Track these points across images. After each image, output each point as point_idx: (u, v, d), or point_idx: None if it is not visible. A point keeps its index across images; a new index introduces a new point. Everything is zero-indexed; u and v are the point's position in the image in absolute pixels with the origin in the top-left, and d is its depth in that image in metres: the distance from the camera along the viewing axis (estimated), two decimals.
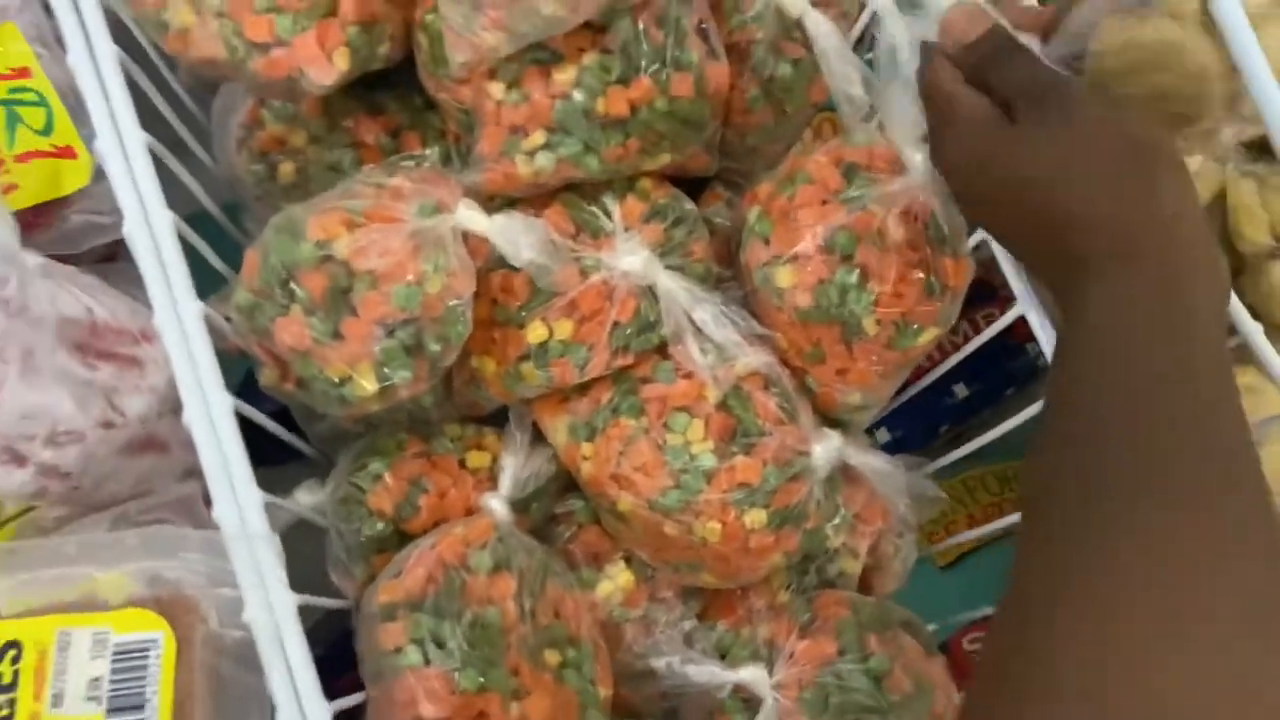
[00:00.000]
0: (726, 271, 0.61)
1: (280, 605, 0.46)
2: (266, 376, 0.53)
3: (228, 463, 0.48)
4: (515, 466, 0.57)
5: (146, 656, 0.46)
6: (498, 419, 0.62)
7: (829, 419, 0.59)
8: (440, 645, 0.49)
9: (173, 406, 0.52)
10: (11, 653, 0.45)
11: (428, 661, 0.49)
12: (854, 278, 0.53)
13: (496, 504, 0.56)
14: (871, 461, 0.57)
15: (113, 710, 0.46)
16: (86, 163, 0.58)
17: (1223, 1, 0.45)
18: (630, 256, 0.54)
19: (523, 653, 0.51)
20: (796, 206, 0.55)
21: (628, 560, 0.59)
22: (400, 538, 0.56)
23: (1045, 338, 0.55)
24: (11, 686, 0.45)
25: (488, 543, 0.53)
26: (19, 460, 0.48)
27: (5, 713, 0.45)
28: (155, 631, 0.47)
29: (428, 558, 0.52)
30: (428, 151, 0.57)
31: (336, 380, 0.51)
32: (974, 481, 0.97)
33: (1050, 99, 0.43)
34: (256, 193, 0.63)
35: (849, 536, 0.60)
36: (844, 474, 0.59)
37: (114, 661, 0.46)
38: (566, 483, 0.61)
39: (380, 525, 0.55)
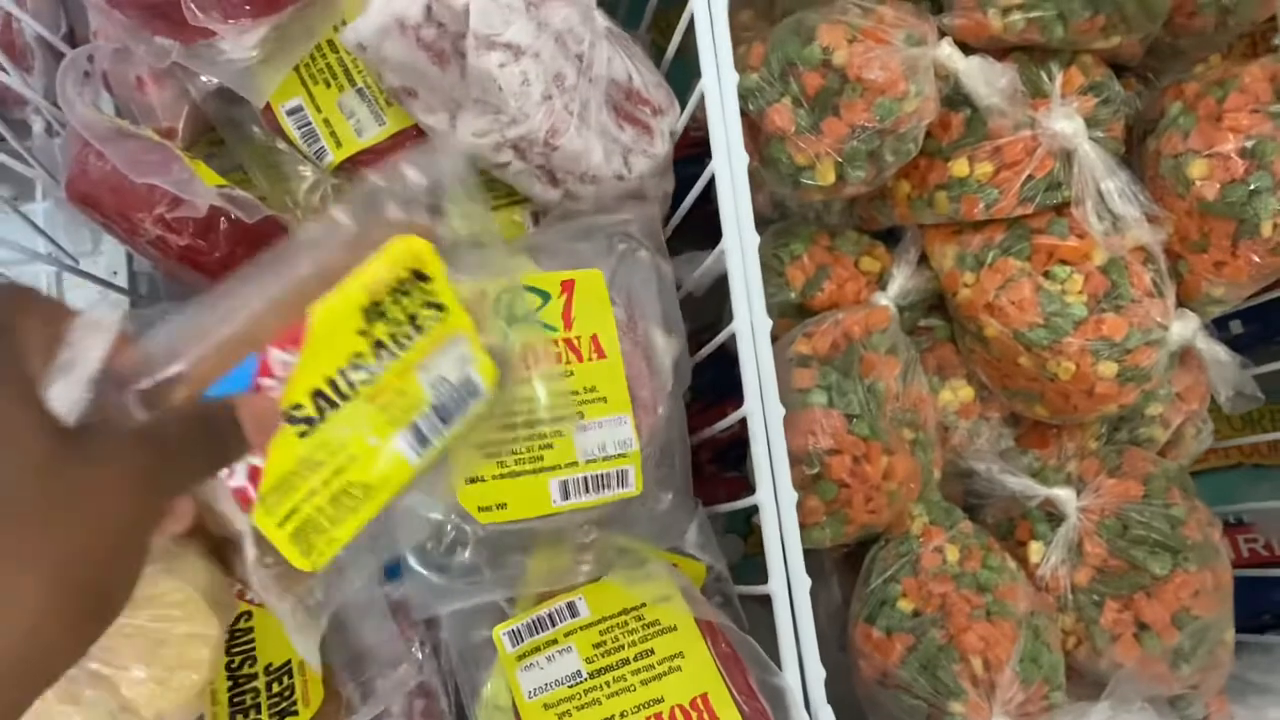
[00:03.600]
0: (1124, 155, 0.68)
1: None
2: None
3: None
4: (904, 277, 0.67)
5: None
6: (882, 236, 0.72)
7: (1185, 306, 0.67)
8: (843, 395, 0.60)
9: (661, 171, 0.64)
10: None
11: (832, 404, 0.60)
12: (1268, 183, 0.59)
13: (887, 301, 0.66)
14: (1215, 349, 0.65)
15: None
16: None
17: None
18: (1064, 121, 0.62)
19: (893, 423, 0.62)
20: (1225, 110, 0.61)
21: (968, 379, 0.69)
22: (799, 310, 0.67)
23: None
24: None
25: (886, 329, 0.64)
26: (555, 182, 0.60)
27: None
28: None
29: (835, 328, 0.63)
30: None
31: (801, 165, 0.61)
32: (1216, 411, 1.02)
33: None
34: None
35: (1166, 409, 0.69)
36: (1180, 357, 0.67)
37: None
38: (932, 303, 0.70)
39: (791, 294, 0.66)
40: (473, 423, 0.45)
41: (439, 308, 0.44)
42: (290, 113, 0.61)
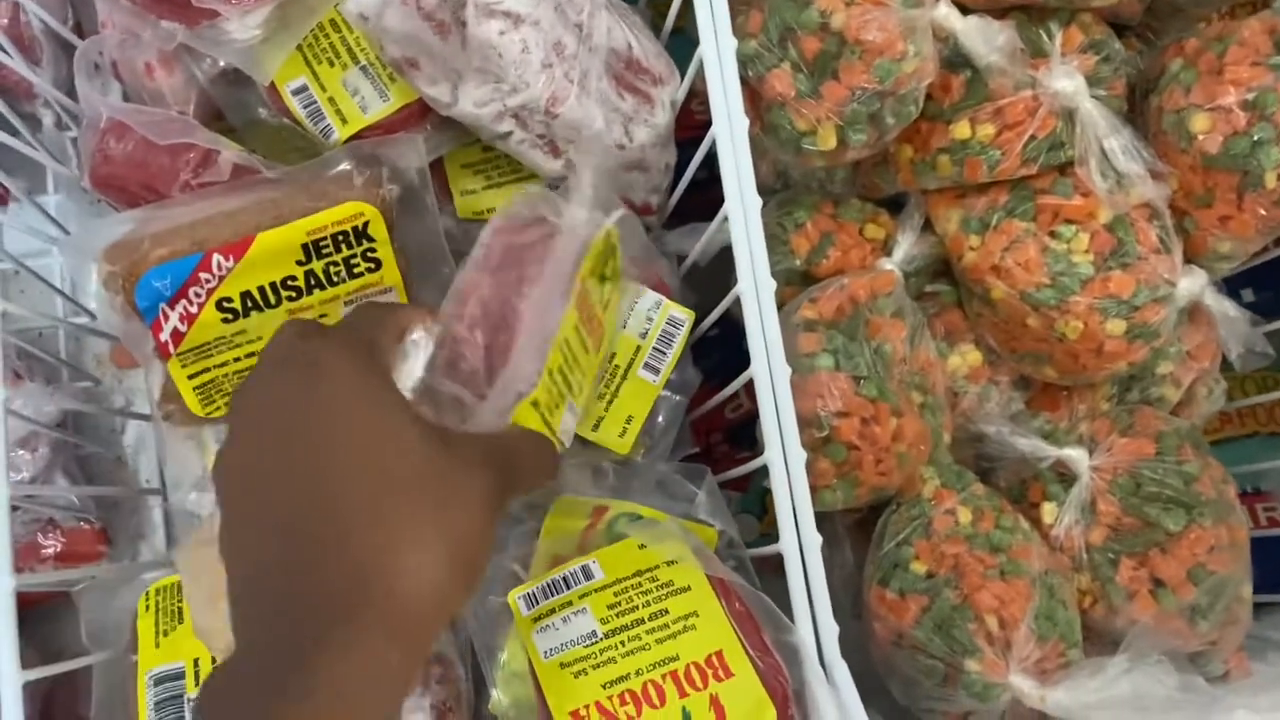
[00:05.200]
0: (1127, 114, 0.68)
1: None
2: None
3: None
4: (909, 242, 0.67)
5: None
6: (885, 204, 0.72)
7: (1193, 263, 0.66)
8: (850, 358, 0.61)
9: (662, 142, 0.64)
10: None
11: (838, 367, 0.60)
12: (1270, 134, 0.59)
13: (893, 266, 0.66)
14: (1224, 305, 0.65)
15: None
16: None
17: None
18: (1065, 80, 0.62)
19: (902, 385, 0.62)
20: (1225, 64, 0.61)
21: (976, 344, 0.69)
22: (804, 278, 0.68)
23: None
24: None
25: (891, 292, 0.64)
26: (556, 152, 0.60)
27: None
28: None
29: (840, 293, 0.63)
30: None
31: (802, 130, 0.61)
32: (1232, 381, 1.02)
33: None
34: None
35: (1177, 368, 0.68)
36: (1189, 313, 0.67)
37: None
38: (938, 269, 0.70)
39: (795, 262, 0.67)
40: None
41: (375, 263, 0.58)
42: (295, 92, 0.62)
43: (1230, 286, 0.89)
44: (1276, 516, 0.98)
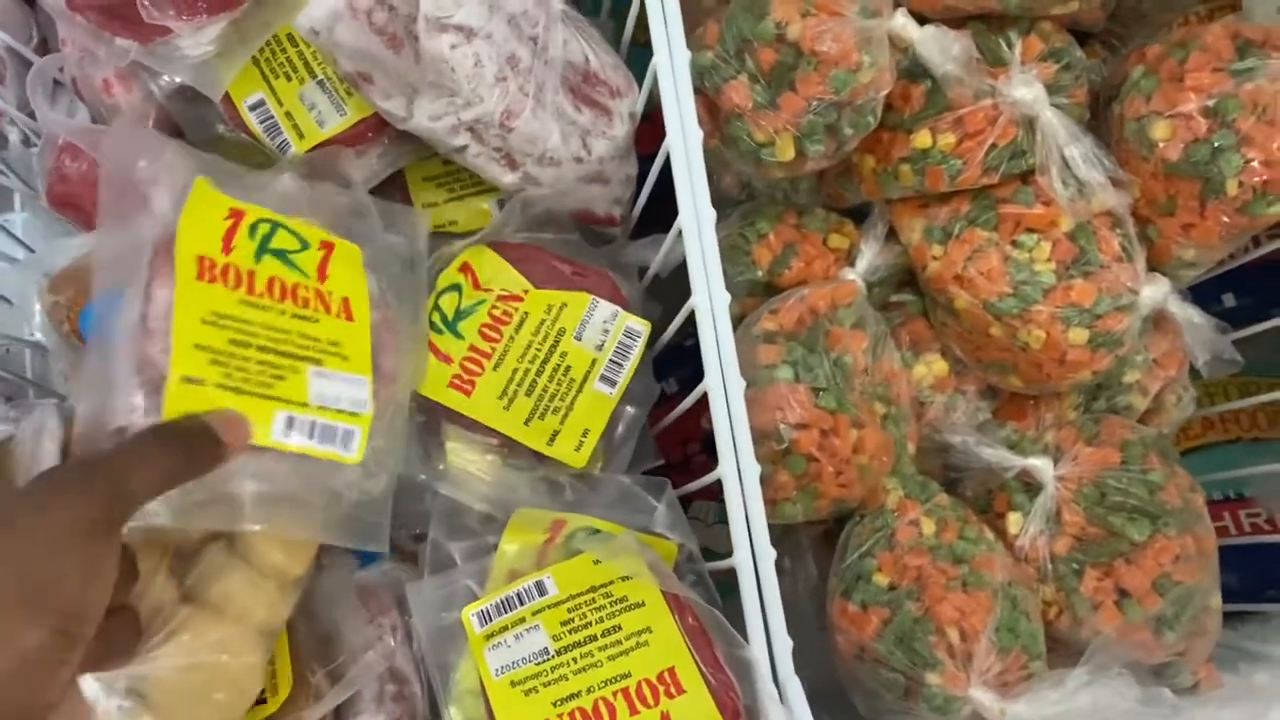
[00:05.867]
0: (1090, 121, 0.67)
1: None
2: None
3: None
4: (872, 252, 0.67)
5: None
6: (850, 214, 0.71)
7: (1157, 271, 0.66)
8: (809, 369, 0.60)
9: (621, 155, 0.64)
10: None
11: (798, 379, 0.60)
12: (1230, 141, 0.59)
13: (855, 276, 0.66)
14: (1189, 312, 0.64)
15: None
16: None
17: None
18: (1024, 89, 0.61)
19: (863, 396, 0.62)
20: (1186, 70, 0.61)
21: (942, 353, 0.69)
22: (767, 288, 0.67)
23: None
24: None
25: (852, 303, 0.63)
26: (513, 165, 0.60)
27: None
28: None
29: (800, 304, 0.63)
30: None
31: (760, 142, 0.61)
32: (1215, 388, 1.01)
33: None
34: None
35: (1144, 376, 0.68)
36: (1154, 321, 0.67)
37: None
38: (903, 279, 0.70)
39: (758, 273, 0.66)
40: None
41: None
42: (252, 107, 0.62)
43: (1210, 292, 0.89)
44: (1260, 523, 0.98)
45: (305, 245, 0.54)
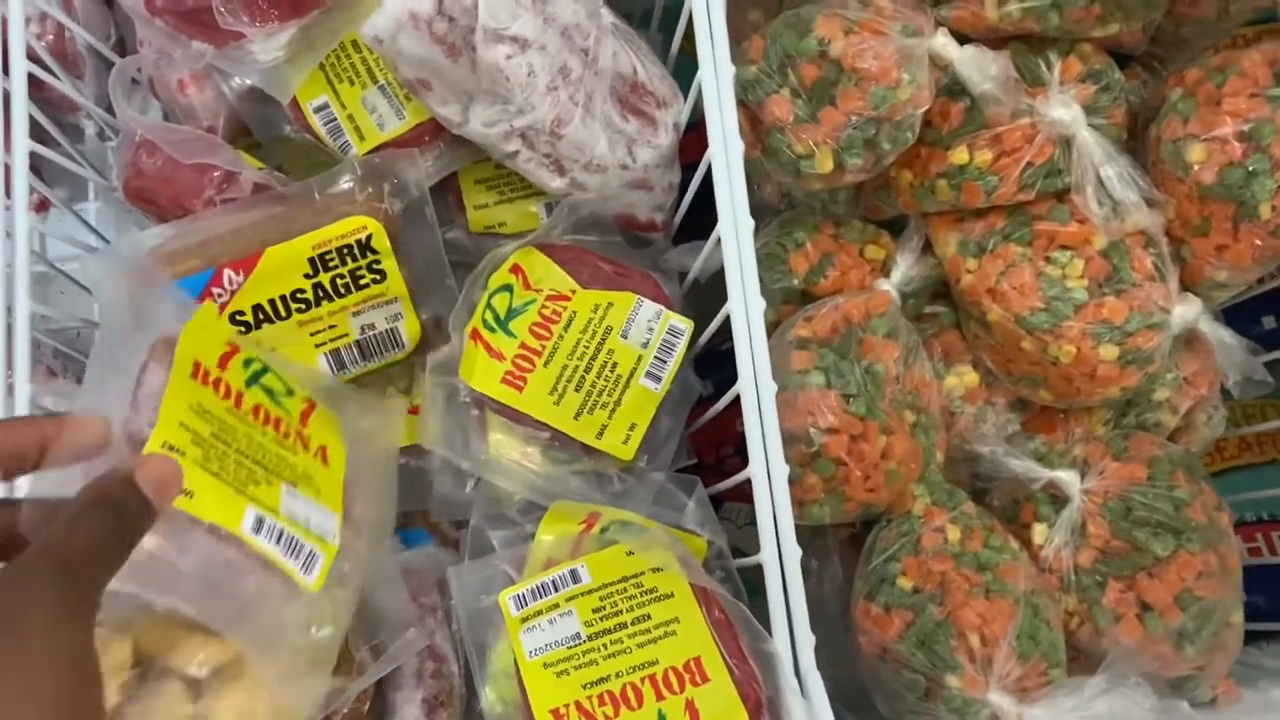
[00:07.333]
0: (1128, 142, 0.69)
1: None
2: None
3: None
4: (907, 264, 0.69)
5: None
6: (886, 226, 0.73)
7: (1189, 291, 0.67)
8: (841, 376, 0.62)
9: (666, 163, 0.66)
10: None
11: (829, 385, 0.62)
12: (1265, 165, 0.60)
13: (889, 287, 0.67)
14: (1221, 333, 0.65)
15: None
16: None
17: None
18: (1061, 109, 0.63)
19: (893, 404, 0.64)
20: (1224, 94, 0.62)
21: (974, 365, 0.70)
22: (802, 296, 0.69)
23: None
24: None
25: (885, 313, 0.65)
26: (562, 171, 0.63)
27: None
28: None
29: (835, 312, 0.65)
30: None
31: (800, 154, 0.63)
32: (1253, 409, 1.01)
33: None
34: None
35: (1174, 394, 0.69)
36: (1186, 340, 0.67)
37: None
38: (937, 291, 0.72)
39: (794, 281, 0.68)
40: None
41: (380, 274, 0.61)
42: (317, 110, 0.65)
43: (1250, 314, 0.89)
44: None
45: (290, 393, 0.53)
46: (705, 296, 0.69)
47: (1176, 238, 0.65)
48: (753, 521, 0.92)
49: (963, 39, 0.65)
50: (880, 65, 0.60)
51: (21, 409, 0.54)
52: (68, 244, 0.70)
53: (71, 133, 0.75)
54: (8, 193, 0.59)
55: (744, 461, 0.88)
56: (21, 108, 0.59)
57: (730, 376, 0.73)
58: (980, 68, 0.60)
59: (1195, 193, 0.63)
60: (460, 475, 0.65)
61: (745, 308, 0.57)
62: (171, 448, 0.44)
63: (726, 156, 0.58)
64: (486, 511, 0.62)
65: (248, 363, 0.51)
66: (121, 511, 0.37)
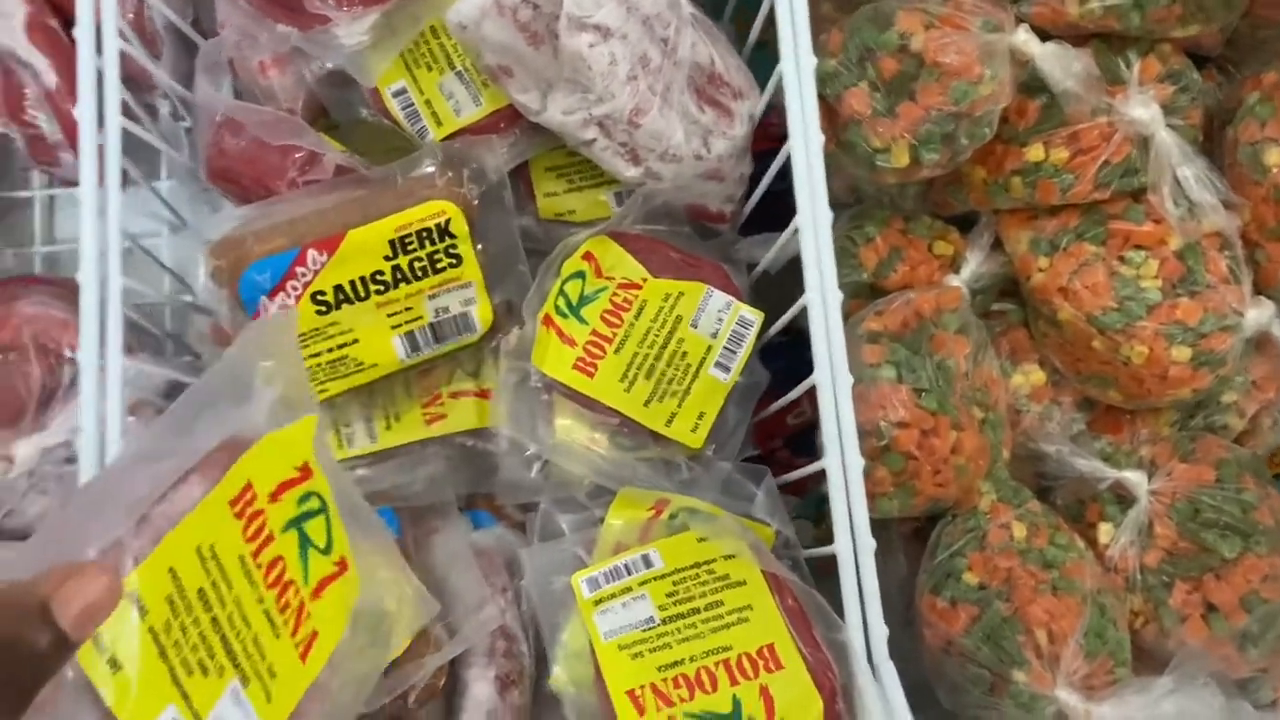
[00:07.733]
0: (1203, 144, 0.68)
1: None
2: None
3: None
4: (977, 260, 0.69)
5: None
6: (955, 221, 0.73)
7: (1263, 294, 0.67)
8: (912, 370, 0.62)
9: (739, 154, 0.67)
10: None
11: (901, 379, 0.62)
12: None
13: (959, 283, 0.68)
14: None
15: None
16: None
17: None
18: (1140, 108, 0.63)
19: (963, 400, 0.64)
20: None
21: (1040, 364, 0.70)
22: (871, 290, 0.69)
23: None
24: None
25: (956, 309, 0.65)
26: (637, 160, 0.63)
27: None
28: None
29: (906, 307, 0.65)
30: None
31: (877, 148, 0.63)
32: None
33: None
34: None
35: (1242, 397, 0.69)
36: (1257, 344, 0.67)
37: None
38: (1005, 288, 0.72)
39: (863, 275, 0.69)
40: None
41: (456, 258, 0.61)
42: (395, 94, 0.65)
43: None
44: None
45: (327, 549, 0.48)
46: (765, 289, 0.69)
47: (1251, 241, 0.65)
48: (802, 514, 0.93)
49: (1042, 35, 0.65)
50: (962, 60, 0.60)
51: (114, 382, 0.55)
52: (145, 219, 0.71)
53: (146, 111, 0.76)
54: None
55: (795, 455, 0.89)
56: (115, 87, 0.60)
57: (787, 367, 0.73)
58: (1063, 65, 0.60)
59: (1272, 196, 0.62)
60: (526, 460, 0.66)
61: (823, 300, 0.57)
62: (140, 605, 0.38)
63: (807, 149, 0.58)
64: (556, 495, 0.63)
65: (305, 498, 0.46)
66: (16, 654, 0.29)
